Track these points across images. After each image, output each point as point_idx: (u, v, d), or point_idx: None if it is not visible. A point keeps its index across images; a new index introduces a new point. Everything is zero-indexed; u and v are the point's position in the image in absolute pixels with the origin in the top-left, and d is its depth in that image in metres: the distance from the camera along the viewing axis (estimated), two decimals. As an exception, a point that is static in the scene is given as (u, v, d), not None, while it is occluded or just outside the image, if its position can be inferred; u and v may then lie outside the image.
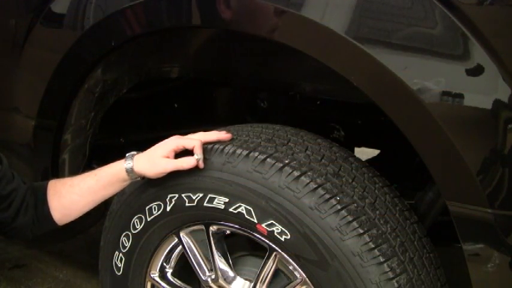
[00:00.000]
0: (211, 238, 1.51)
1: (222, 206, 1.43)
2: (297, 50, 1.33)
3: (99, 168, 1.51)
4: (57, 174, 1.90)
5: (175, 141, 1.45)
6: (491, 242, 1.21)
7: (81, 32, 1.68)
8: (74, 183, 1.52)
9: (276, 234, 1.37)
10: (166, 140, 1.47)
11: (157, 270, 1.63)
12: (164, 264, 1.63)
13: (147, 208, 1.55)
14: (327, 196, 1.32)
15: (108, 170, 1.49)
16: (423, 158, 1.24)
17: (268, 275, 1.45)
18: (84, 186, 1.50)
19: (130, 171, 1.46)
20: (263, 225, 1.38)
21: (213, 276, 1.53)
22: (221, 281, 1.52)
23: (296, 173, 1.34)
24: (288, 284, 1.43)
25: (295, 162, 1.38)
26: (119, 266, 1.65)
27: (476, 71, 1.14)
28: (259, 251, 1.50)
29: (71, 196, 1.51)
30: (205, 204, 1.45)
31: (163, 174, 1.46)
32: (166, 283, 1.63)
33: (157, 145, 1.47)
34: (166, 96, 2.17)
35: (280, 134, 1.50)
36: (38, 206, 1.51)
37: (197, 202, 1.46)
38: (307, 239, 1.33)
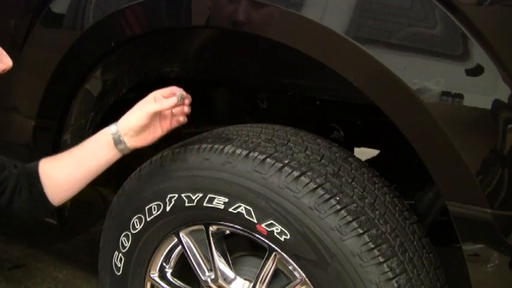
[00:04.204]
0: (211, 238, 1.51)
1: (222, 206, 1.43)
2: (296, 50, 1.33)
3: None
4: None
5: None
6: (490, 242, 1.21)
7: (80, 32, 1.67)
8: (62, 156, 1.51)
9: (275, 234, 1.37)
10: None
11: (157, 270, 1.63)
12: (164, 264, 1.63)
13: (146, 208, 1.55)
14: (327, 196, 1.32)
15: (93, 136, 1.51)
16: (423, 158, 1.23)
17: (267, 275, 1.45)
18: (69, 159, 1.49)
19: (115, 132, 1.48)
20: (263, 225, 1.38)
21: (212, 276, 1.53)
22: (221, 281, 1.52)
23: (296, 173, 1.34)
24: (288, 284, 1.43)
25: (294, 162, 1.38)
26: (119, 266, 1.65)
27: (476, 71, 1.14)
28: (259, 251, 1.50)
29: (59, 170, 1.49)
30: (204, 204, 1.45)
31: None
32: (166, 283, 1.63)
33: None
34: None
35: (280, 134, 1.50)
36: (32, 187, 1.48)
37: (197, 202, 1.46)
38: (306, 239, 1.33)
